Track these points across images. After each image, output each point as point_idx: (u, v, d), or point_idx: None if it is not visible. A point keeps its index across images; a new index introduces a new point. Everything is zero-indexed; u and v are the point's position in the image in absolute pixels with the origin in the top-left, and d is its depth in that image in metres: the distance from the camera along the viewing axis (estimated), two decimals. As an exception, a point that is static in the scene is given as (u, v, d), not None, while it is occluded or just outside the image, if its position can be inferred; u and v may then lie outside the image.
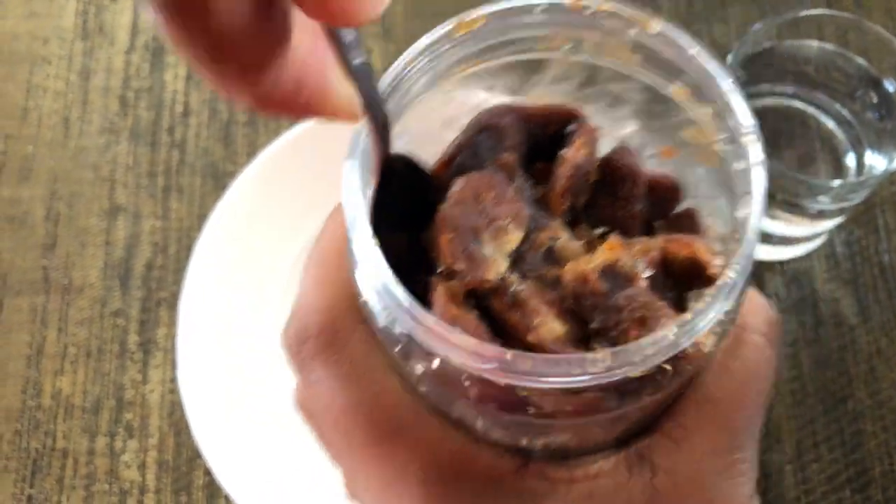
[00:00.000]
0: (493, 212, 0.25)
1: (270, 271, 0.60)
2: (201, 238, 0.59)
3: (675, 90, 0.27)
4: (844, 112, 0.58)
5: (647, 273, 0.25)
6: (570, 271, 0.25)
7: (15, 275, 0.63)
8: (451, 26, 0.27)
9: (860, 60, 0.56)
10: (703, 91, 0.27)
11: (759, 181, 0.25)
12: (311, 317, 0.28)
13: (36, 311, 0.62)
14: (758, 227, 0.24)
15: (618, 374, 0.23)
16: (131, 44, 0.70)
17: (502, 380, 0.23)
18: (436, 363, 0.24)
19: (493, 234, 0.25)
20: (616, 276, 0.25)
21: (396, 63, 0.27)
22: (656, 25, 0.27)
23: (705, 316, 0.23)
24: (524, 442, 0.27)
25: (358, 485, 0.28)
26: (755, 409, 0.29)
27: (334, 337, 0.27)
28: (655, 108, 0.29)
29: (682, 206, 0.29)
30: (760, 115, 0.59)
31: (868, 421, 0.57)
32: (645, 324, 0.24)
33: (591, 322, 0.25)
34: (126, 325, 0.61)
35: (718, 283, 0.23)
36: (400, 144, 0.27)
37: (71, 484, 0.57)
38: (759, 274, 0.61)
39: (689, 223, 0.28)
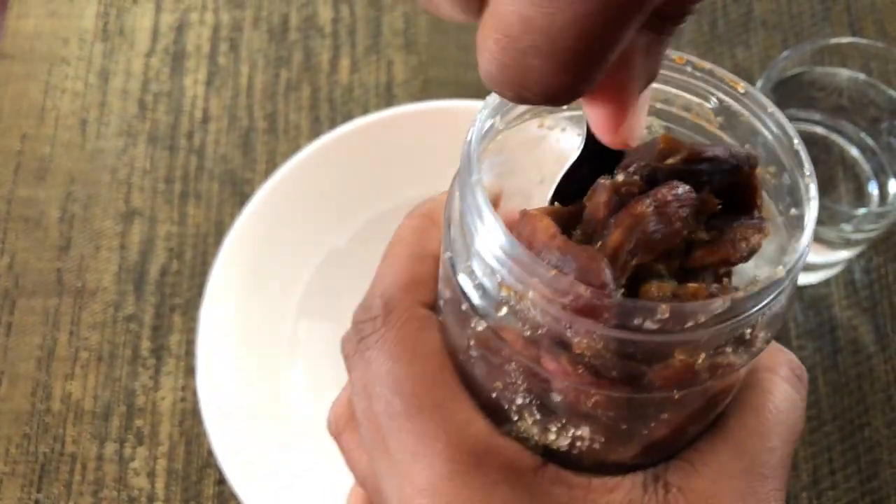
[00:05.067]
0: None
1: (291, 282, 0.59)
2: (223, 247, 0.59)
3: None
4: (868, 140, 0.58)
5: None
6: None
7: (28, 276, 0.62)
8: None
9: (890, 91, 0.56)
10: (770, 152, 0.27)
11: (813, 195, 0.26)
12: (375, 300, 0.31)
13: (48, 313, 0.61)
14: (810, 236, 0.25)
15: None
16: (151, 47, 0.69)
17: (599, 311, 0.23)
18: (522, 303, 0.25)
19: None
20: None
21: None
22: (744, 86, 0.27)
23: (757, 299, 0.24)
24: (552, 433, 0.28)
25: (388, 461, 0.30)
26: (779, 443, 0.29)
27: (388, 316, 0.30)
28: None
29: None
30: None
31: (885, 450, 0.57)
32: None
33: None
34: (139, 330, 0.61)
35: (770, 275, 0.24)
36: (495, 161, 0.27)
37: (79, 490, 0.57)
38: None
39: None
